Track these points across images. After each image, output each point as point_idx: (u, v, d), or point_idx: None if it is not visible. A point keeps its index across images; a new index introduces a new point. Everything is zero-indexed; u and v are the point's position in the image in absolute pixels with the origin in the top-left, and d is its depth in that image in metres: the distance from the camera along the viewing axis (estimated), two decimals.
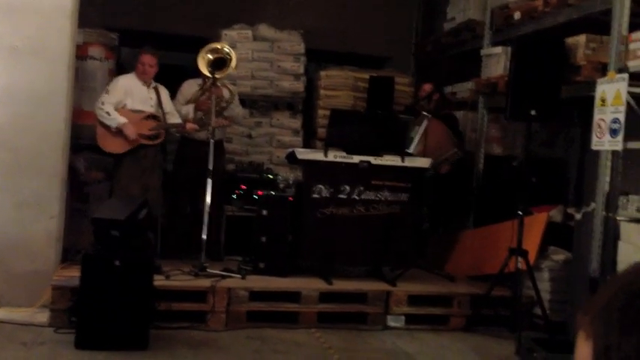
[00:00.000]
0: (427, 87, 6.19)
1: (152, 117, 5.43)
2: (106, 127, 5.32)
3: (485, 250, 5.54)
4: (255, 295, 4.76)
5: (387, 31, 7.52)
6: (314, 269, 5.19)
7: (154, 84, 5.53)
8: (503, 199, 5.62)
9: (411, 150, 5.55)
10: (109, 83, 5.61)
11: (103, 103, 5.32)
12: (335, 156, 5.23)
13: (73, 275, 4.44)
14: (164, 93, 5.61)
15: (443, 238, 6.21)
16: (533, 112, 4.86)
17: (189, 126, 5.45)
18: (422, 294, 5.03)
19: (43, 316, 4.47)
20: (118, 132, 5.30)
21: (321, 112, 6.76)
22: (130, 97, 5.40)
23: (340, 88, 6.81)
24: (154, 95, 5.51)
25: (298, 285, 4.91)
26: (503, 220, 5.39)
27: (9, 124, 4.87)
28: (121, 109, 5.35)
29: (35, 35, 4.89)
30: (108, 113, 5.28)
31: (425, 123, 5.63)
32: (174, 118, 5.55)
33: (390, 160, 5.30)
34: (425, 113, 5.73)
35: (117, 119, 5.27)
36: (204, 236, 5.06)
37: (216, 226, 5.61)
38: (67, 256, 5.06)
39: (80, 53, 5.66)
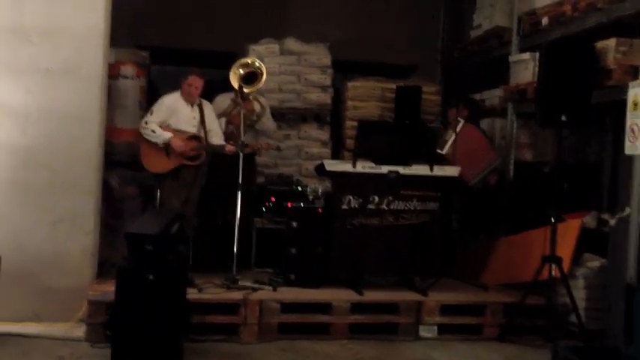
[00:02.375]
0: (451, 114, 6.12)
1: (194, 137, 5.49)
2: (150, 147, 5.39)
3: (518, 257, 5.47)
4: (287, 307, 4.78)
5: (413, 39, 7.53)
6: (345, 280, 5.19)
7: (198, 101, 5.59)
8: (535, 206, 5.56)
9: (443, 152, 5.53)
10: (150, 102, 5.69)
11: (147, 123, 5.41)
12: (363, 167, 5.24)
13: (108, 290, 4.51)
14: (208, 110, 5.65)
15: (474, 247, 6.15)
16: (563, 118, 4.81)
17: (229, 149, 5.46)
18: (454, 303, 4.99)
19: (80, 331, 4.56)
20: (163, 149, 5.37)
21: (348, 123, 6.78)
22: (174, 117, 5.47)
23: (367, 98, 6.82)
24: (197, 114, 5.55)
25: (329, 296, 4.92)
26: (536, 228, 5.33)
27: (45, 143, 4.99)
28: (165, 127, 5.44)
29: (69, 57, 5.01)
30: (153, 131, 5.37)
31: (459, 127, 5.62)
32: (216, 137, 5.58)
33: (419, 169, 5.30)
34: (458, 118, 5.72)
35: (163, 135, 5.37)
36: (235, 249, 5.10)
37: (247, 239, 5.66)
38: (101, 271, 5.15)
39: (112, 72, 5.78)
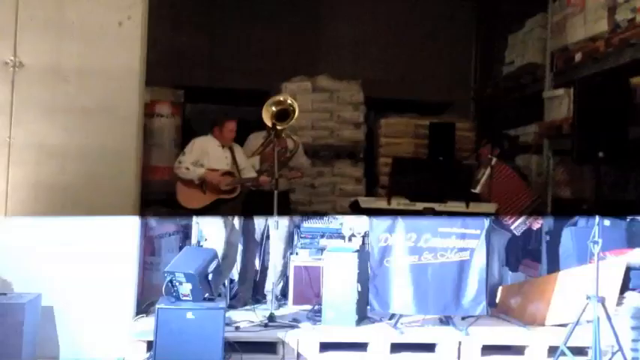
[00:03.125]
0: (483, 152, 6.10)
1: (228, 173, 5.57)
2: (185, 184, 5.47)
3: (561, 297, 5.37)
4: (326, 346, 4.72)
5: (445, 76, 7.58)
6: (383, 318, 5.13)
7: (228, 144, 5.69)
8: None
9: (477, 190, 5.51)
10: (185, 140, 5.78)
11: (180, 162, 5.51)
12: (398, 204, 5.22)
13: (147, 328, 4.51)
14: (239, 151, 5.77)
15: (515, 285, 6.06)
16: (600, 154, 4.76)
17: (263, 179, 5.54)
18: (495, 343, 4.89)
19: None
20: (199, 186, 5.45)
21: (382, 159, 6.81)
22: (206, 158, 5.57)
23: (401, 135, 6.86)
24: (228, 154, 5.66)
25: (368, 335, 4.86)
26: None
27: (82, 183, 5.03)
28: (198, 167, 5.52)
29: (105, 96, 5.08)
30: (187, 168, 5.46)
31: (491, 166, 5.60)
32: (249, 174, 5.67)
33: (455, 206, 5.26)
34: (490, 156, 5.70)
35: (196, 171, 5.47)
36: (272, 286, 5.08)
37: (283, 276, 5.64)
38: (140, 309, 5.15)
39: (148, 110, 5.87)
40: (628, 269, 5.08)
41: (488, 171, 5.66)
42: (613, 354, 4.76)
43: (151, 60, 5.40)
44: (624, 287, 5.03)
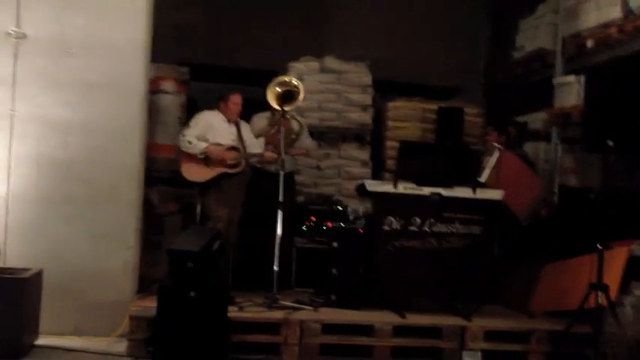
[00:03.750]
0: (489, 139, 6.03)
1: (233, 148, 5.54)
2: (190, 158, 5.43)
3: (564, 285, 5.34)
4: (328, 328, 4.71)
5: (455, 61, 7.50)
6: (386, 302, 5.11)
7: (235, 118, 5.65)
8: (580, 233, 5.44)
9: (482, 179, 5.47)
10: (190, 118, 5.73)
11: (184, 135, 5.48)
12: (405, 188, 5.17)
13: (149, 306, 4.50)
14: (245, 127, 5.75)
15: (518, 272, 6.03)
16: (610, 143, 4.69)
17: (268, 154, 5.54)
18: (499, 329, 4.87)
19: (121, 346, 4.54)
20: (203, 160, 5.42)
21: (389, 143, 6.75)
22: (211, 132, 5.53)
23: (408, 119, 6.79)
24: (234, 130, 5.63)
25: (371, 318, 4.84)
26: (582, 254, 5.21)
27: (85, 158, 5.01)
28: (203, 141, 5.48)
29: (110, 71, 5.05)
30: (190, 142, 5.43)
31: (496, 154, 5.54)
32: (254, 150, 5.64)
33: (462, 192, 5.22)
34: (495, 144, 5.64)
35: (199, 145, 5.43)
36: (275, 268, 5.06)
37: (287, 258, 5.61)
38: (142, 287, 5.13)
39: (153, 87, 5.80)
40: (633, 259, 5.05)
41: (493, 160, 5.61)
42: (616, 343, 4.74)
43: (156, 36, 5.34)
44: (630, 277, 4.99)
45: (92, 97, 5.04)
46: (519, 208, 5.52)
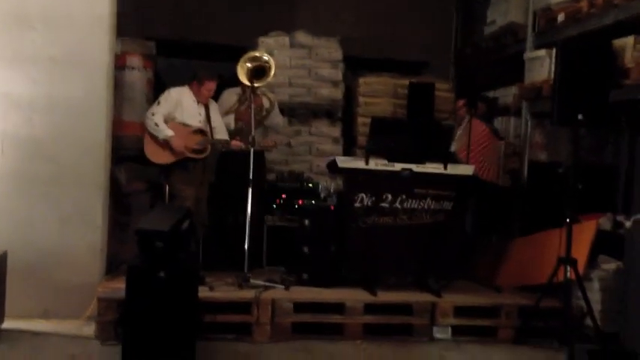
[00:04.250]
0: (460, 112, 6.06)
1: (199, 132, 5.42)
2: (154, 138, 5.32)
3: (533, 259, 5.41)
4: (300, 307, 4.71)
5: (425, 36, 7.45)
6: (358, 280, 5.12)
7: (204, 101, 5.55)
8: (549, 207, 5.49)
9: (453, 149, 5.48)
10: (157, 95, 5.60)
11: (153, 114, 5.33)
12: (376, 164, 5.16)
13: (118, 287, 4.44)
14: (214, 108, 5.62)
15: (488, 248, 6.09)
16: (580, 117, 4.71)
17: (235, 143, 5.43)
18: (468, 305, 4.92)
19: (90, 329, 4.49)
20: (165, 143, 5.30)
21: (360, 119, 6.71)
22: (179, 110, 5.41)
23: (379, 95, 6.74)
24: (203, 111, 5.52)
25: (342, 296, 4.84)
26: (550, 229, 5.26)
27: (49, 135, 4.90)
28: (170, 121, 5.35)
29: (73, 46, 4.92)
30: (157, 124, 5.29)
31: (466, 120, 5.57)
32: (221, 134, 5.54)
33: (433, 167, 5.21)
34: (465, 114, 5.67)
35: (164, 131, 5.29)
36: (246, 247, 5.02)
37: (258, 236, 5.57)
38: (110, 268, 5.06)
39: (119, 63, 5.68)
40: (601, 233, 5.12)
41: (463, 127, 5.62)
42: (583, 315, 4.82)
43: (121, 10, 5.20)
44: (597, 251, 5.07)
45: (56, 73, 4.91)
46: (491, 173, 5.55)
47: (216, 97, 5.89)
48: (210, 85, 5.47)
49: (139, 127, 5.73)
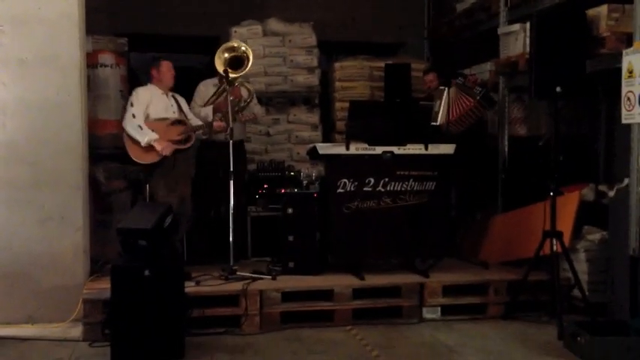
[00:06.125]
0: (430, 77, 6.03)
1: (178, 122, 5.35)
2: (135, 140, 5.22)
3: (518, 234, 5.42)
4: (288, 296, 4.68)
5: (398, 16, 7.40)
6: (345, 265, 5.11)
7: (170, 93, 5.47)
8: (531, 181, 5.50)
9: (437, 122, 5.50)
10: (128, 96, 5.52)
11: (134, 116, 5.22)
12: (357, 148, 5.13)
13: (103, 287, 4.38)
14: (183, 101, 5.55)
15: (473, 226, 6.09)
16: (558, 89, 4.70)
17: (217, 124, 5.39)
18: (456, 284, 4.93)
19: (77, 331, 4.44)
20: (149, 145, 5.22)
21: (338, 104, 6.68)
22: (151, 107, 5.32)
23: (356, 78, 6.71)
24: (174, 102, 5.45)
25: (330, 283, 4.83)
26: (534, 203, 5.27)
27: (24, 137, 4.81)
28: (145, 120, 5.26)
29: (43, 45, 4.82)
30: (140, 127, 5.19)
31: (446, 93, 5.56)
32: (196, 123, 5.47)
33: (414, 149, 5.20)
34: (441, 87, 5.66)
35: (148, 135, 5.18)
36: (231, 239, 4.98)
37: (242, 228, 5.53)
38: (94, 269, 5.00)
39: (91, 61, 5.60)
40: (584, 204, 5.13)
41: (444, 98, 5.60)
42: (571, 287, 4.85)
43: (90, 6, 5.11)
44: (581, 222, 5.08)
45: (27, 74, 4.82)
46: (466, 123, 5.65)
47: (192, 89, 5.83)
48: (167, 65, 5.39)
49: (116, 125, 5.66)
